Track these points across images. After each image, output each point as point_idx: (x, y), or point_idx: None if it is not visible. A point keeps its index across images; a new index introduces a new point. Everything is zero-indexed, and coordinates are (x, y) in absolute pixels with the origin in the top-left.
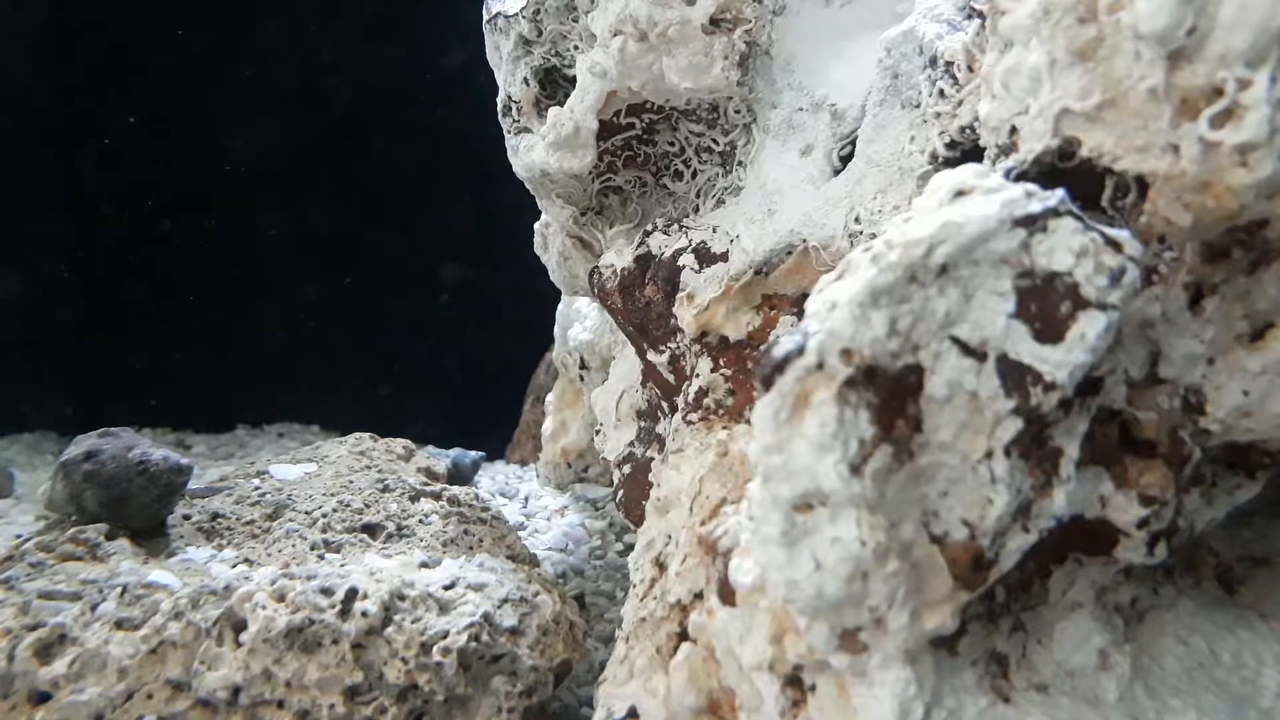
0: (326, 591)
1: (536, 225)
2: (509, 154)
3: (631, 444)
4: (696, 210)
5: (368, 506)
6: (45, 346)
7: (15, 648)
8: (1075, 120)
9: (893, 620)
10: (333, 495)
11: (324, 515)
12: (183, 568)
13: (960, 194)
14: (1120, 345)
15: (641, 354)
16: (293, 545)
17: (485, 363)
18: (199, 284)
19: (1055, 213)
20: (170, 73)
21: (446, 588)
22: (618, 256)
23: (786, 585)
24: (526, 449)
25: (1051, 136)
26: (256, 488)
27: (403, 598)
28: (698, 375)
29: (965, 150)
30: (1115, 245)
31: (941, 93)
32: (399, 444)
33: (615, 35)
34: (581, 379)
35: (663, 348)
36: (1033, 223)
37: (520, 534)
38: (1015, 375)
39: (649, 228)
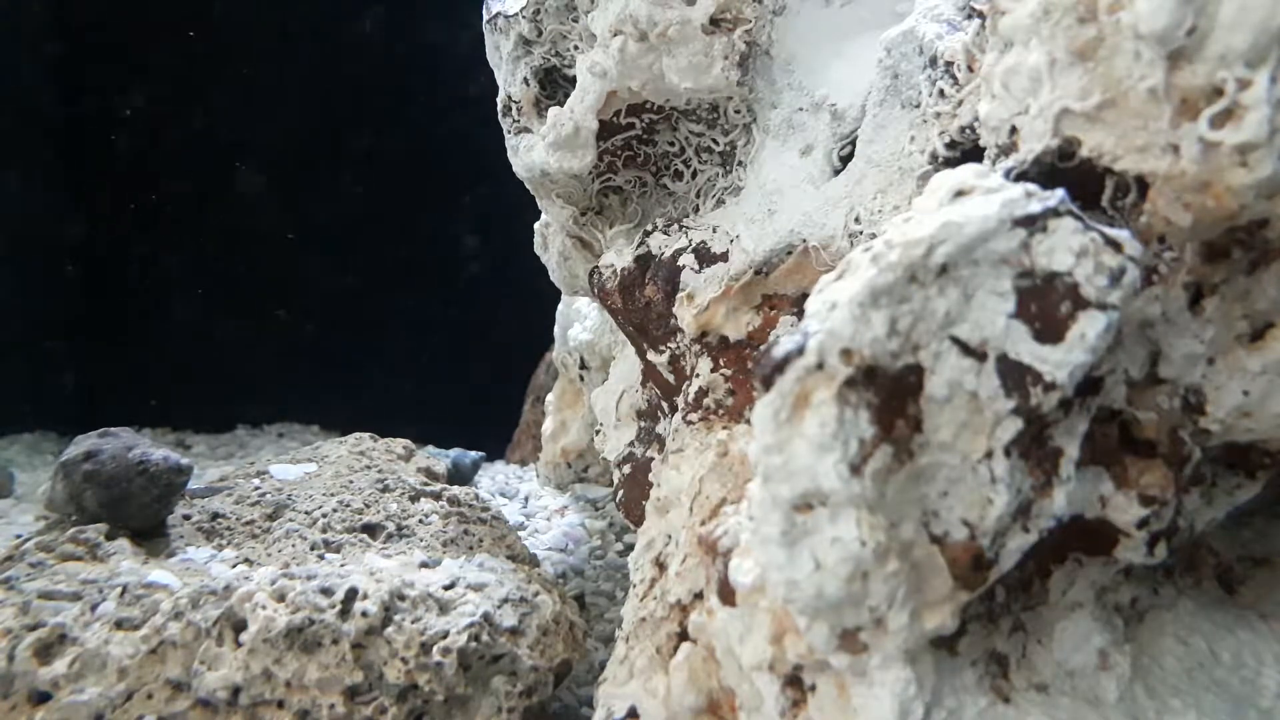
0: (326, 591)
1: (536, 225)
2: (509, 154)
3: (631, 444)
4: (696, 210)
5: (368, 506)
6: (45, 346)
7: (15, 648)
8: (1075, 120)
9: (893, 620)
10: (333, 495)
11: (324, 515)
12: (183, 568)
13: (960, 194)
14: (1120, 345)
15: (641, 354)
16: (293, 545)
17: (485, 363)
18: (199, 284)
19: (1055, 213)
20: (171, 72)
21: (446, 588)
22: (618, 256)
23: (786, 585)
24: (526, 449)
25: (1051, 136)
26: (256, 488)
27: (403, 598)
28: (698, 375)
29: (965, 150)
30: (1115, 245)
31: (941, 93)
32: (399, 444)
33: (615, 35)
34: (581, 379)
35: (663, 348)
36: (1033, 223)
37: (520, 534)
38: (1015, 375)
39: (649, 228)
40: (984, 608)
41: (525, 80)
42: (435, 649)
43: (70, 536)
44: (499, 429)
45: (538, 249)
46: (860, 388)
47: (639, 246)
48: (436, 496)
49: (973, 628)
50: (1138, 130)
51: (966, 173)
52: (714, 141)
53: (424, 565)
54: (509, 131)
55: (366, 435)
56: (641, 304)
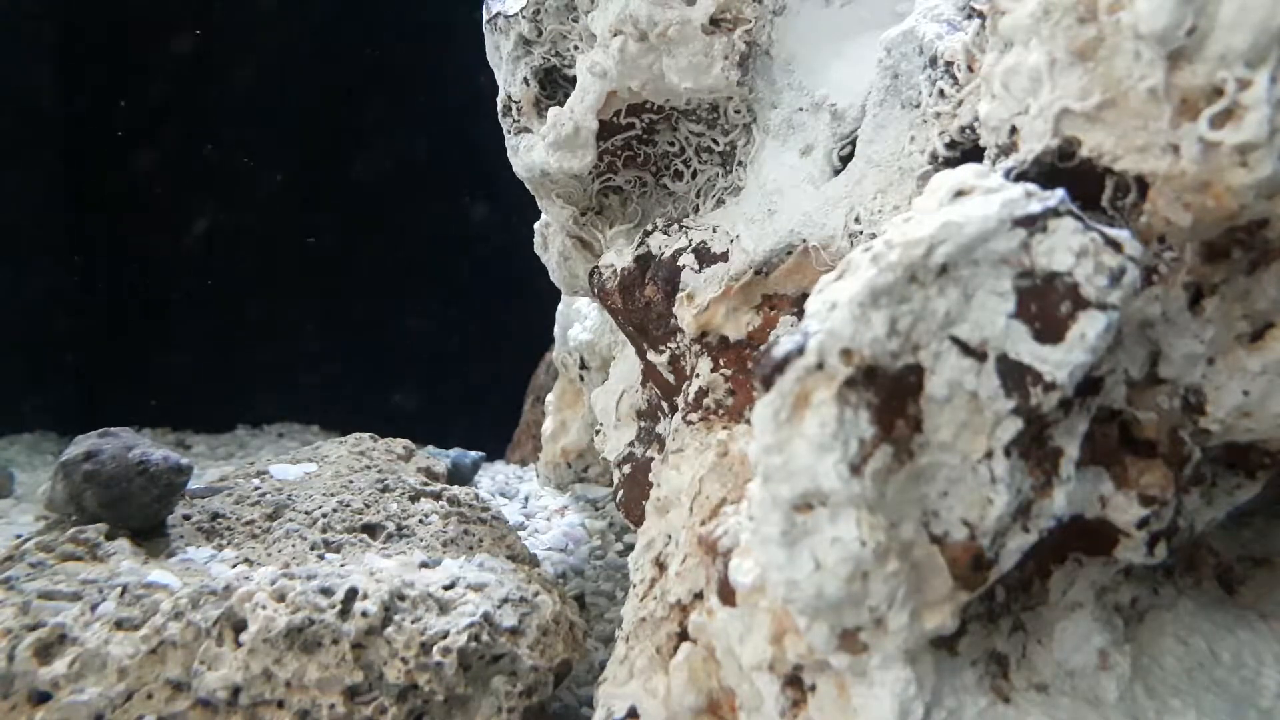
0: (326, 591)
1: (536, 225)
2: (509, 154)
3: (631, 444)
4: (696, 210)
5: (368, 506)
6: (45, 346)
7: (15, 648)
8: (1075, 120)
9: (893, 620)
10: (333, 495)
11: (324, 515)
12: (183, 568)
13: (960, 194)
14: (1120, 345)
15: (641, 354)
16: (293, 545)
17: (485, 363)
18: (199, 284)
19: (1055, 213)
20: (171, 74)
21: (446, 588)
22: (618, 256)
23: (786, 585)
24: (526, 449)
25: (1051, 136)
26: (256, 488)
27: (403, 598)
28: (698, 375)
29: (965, 150)
30: (1115, 245)
31: (941, 93)
32: (399, 444)
33: (615, 35)
34: (581, 379)
35: (663, 348)
36: (1033, 223)
37: (520, 534)
38: (1015, 375)
39: (649, 228)
40: (984, 608)
41: (525, 80)
42: (435, 649)
43: (70, 536)
44: (499, 429)
45: (538, 249)
46: (860, 388)
47: (639, 246)
48: (436, 496)
49: (973, 628)
50: (1138, 130)
51: (966, 173)
52: (714, 141)
53: (424, 565)
54: (509, 131)
55: (366, 435)
56: (641, 304)
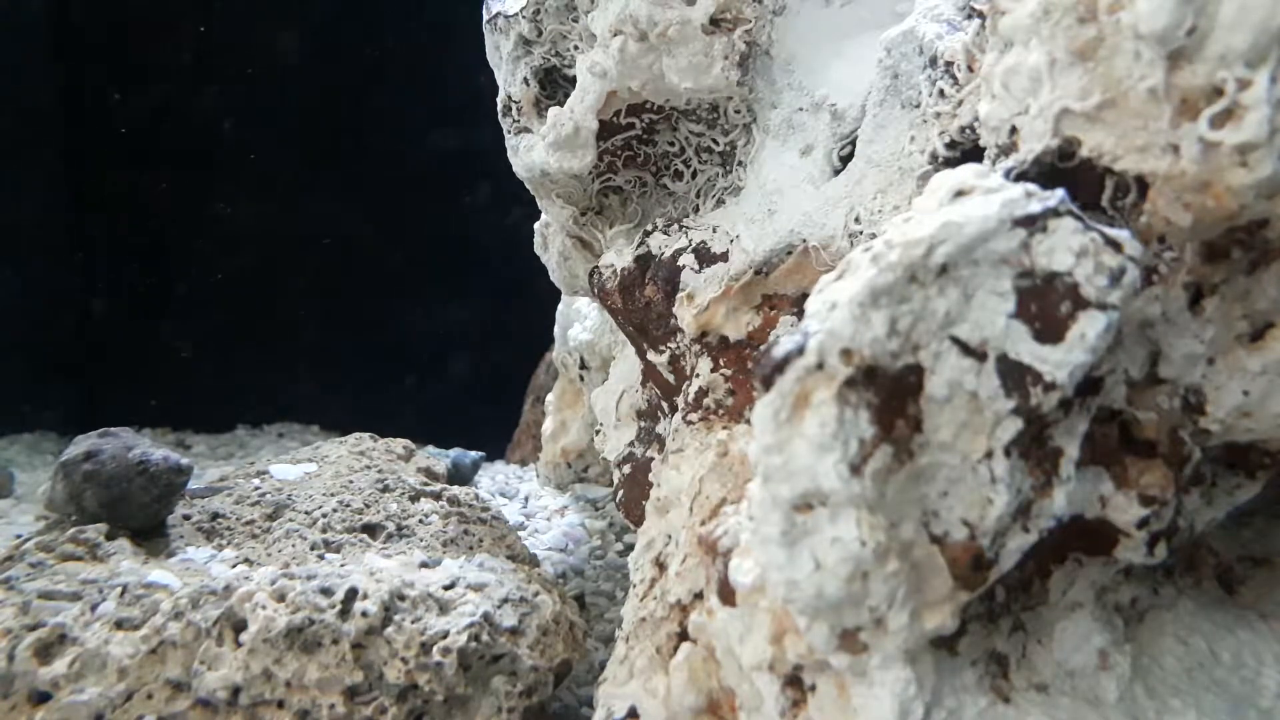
0: (326, 591)
1: (536, 225)
2: (509, 154)
3: (631, 444)
4: (696, 210)
5: (368, 506)
6: (45, 346)
7: (15, 648)
8: (1075, 120)
9: (893, 620)
10: (333, 495)
11: (324, 515)
12: (183, 568)
13: (960, 194)
14: (1120, 345)
15: (641, 354)
16: (293, 545)
17: (485, 363)
18: (199, 284)
19: (1055, 213)
20: (171, 74)
21: (446, 588)
22: (618, 256)
23: (786, 585)
24: (526, 449)
25: (1051, 136)
26: (256, 488)
27: (403, 598)
28: (698, 375)
29: (965, 150)
30: (1115, 245)
31: (941, 93)
32: (399, 444)
33: (615, 35)
34: (581, 379)
35: (663, 348)
36: (1033, 223)
37: (520, 534)
38: (1015, 375)
39: (649, 228)
40: (984, 608)
41: (525, 80)
42: (435, 649)
43: (70, 536)
44: (499, 429)
45: (538, 249)
46: (860, 388)
47: (639, 246)
48: (436, 496)
49: (973, 628)
50: (1138, 130)
51: (966, 173)
52: (714, 141)
53: (424, 565)
54: (509, 131)
55: (366, 435)
56: (641, 304)
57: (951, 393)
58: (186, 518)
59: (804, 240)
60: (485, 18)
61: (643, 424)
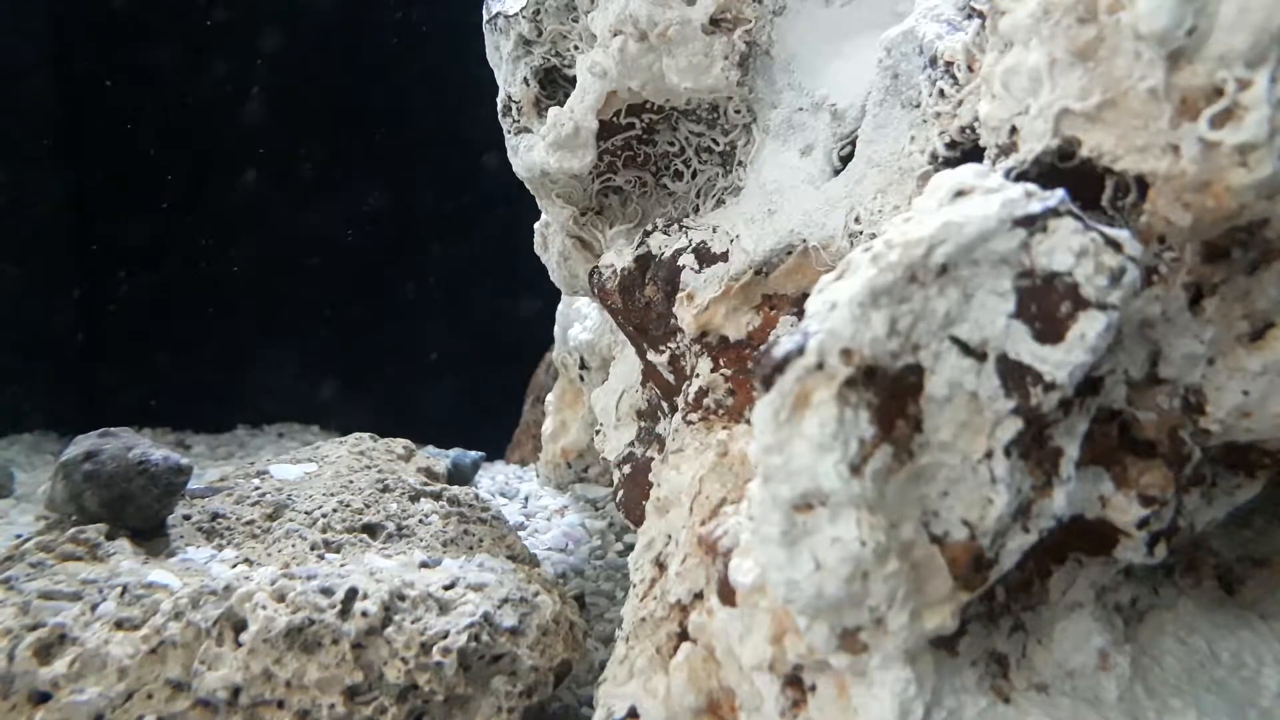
0: (326, 591)
1: (536, 225)
2: (509, 154)
3: (631, 444)
4: (696, 210)
5: (368, 506)
6: (45, 346)
7: (15, 648)
8: (1075, 120)
9: (893, 620)
10: (333, 495)
11: (324, 515)
12: (183, 568)
13: (960, 194)
14: (1120, 345)
15: (641, 354)
16: (293, 545)
17: (485, 363)
18: (199, 284)
19: (1055, 213)
20: (172, 74)
21: (446, 588)
22: (618, 256)
23: (786, 585)
24: (526, 449)
25: (1051, 136)
26: (256, 488)
27: (403, 598)
28: (698, 375)
29: (965, 150)
30: (1115, 245)
31: (941, 93)
32: (399, 444)
33: (615, 35)
34: (581, 379)
35: (663, 348)
36: (1033, 223)
37: (520, 534)
38: (1015, 375)
39: (649, 228)
40: (984, 608)
41: (525, 80)
42: (435, 649)
43: (70, 536)
44: (499, 429)
45: (538, 249)
46: (860, 388)
47: (639, 246)
48: (436, 496)
49: (973, 628)
50: (1138, 130)
51: (966, 173)
52: (714, 141)
53: (424, 565)
54: (509, 131)
55: (366, 435)
56: (641, 304)
57: (951, 393)
58: (186, 518)
59: (804, 240)
60: (485, 18)
61: (643, 424)
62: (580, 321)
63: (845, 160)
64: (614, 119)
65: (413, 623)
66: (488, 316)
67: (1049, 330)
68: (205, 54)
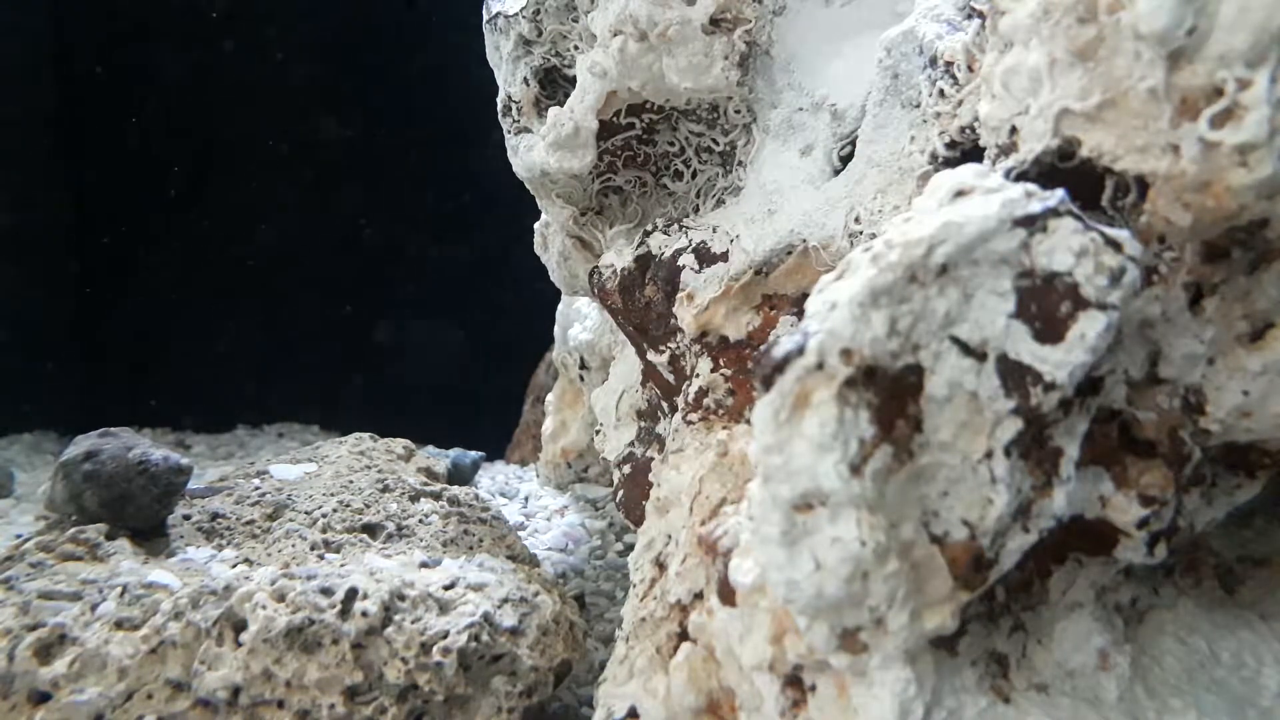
0: (326, 591)
1: (536, 225)
2: (509, 154)
3: (631, 444)
4: (696, 210)
5: (368, 506)
6: (45, 346)
7: (15, 648)
8: (1075, 120)
9: (893, 620)
10: (333, 495)
11: (324, 515)
12: (183, 568)
13: (960, 194)
14: (1120, 345)
15: (641, 354)
16: (293, 545)
17: (485, 363)
18: (199, 284)
19: (1055, 213)
20: (171, 73)
21: (446, 588)
22: (618, 256)
23: (786, 585)
24: (526, 449)
25: (1051, 136)
26: (256, 488)
27: (403, 598)
28: (698, 375)
29: (965, 150)
30: (1115, 245)
31: (941, 93)
32: (399, 444)
33: (615, 35)
34: (581, 379)
35: (663, 348)
36: (1033, 223)
37: (520, 534)
38: (1015, 375)
39: (649, 228)
40: (984, 608)
41: (525, 80)
42: (435, 649)
43: (70, 536)
44: (499, 429)
45: (538, 249)
46: (860, 388)
47: (639, 246)
48: (436, 496)
49: (973, 628)
50: (1138, 130)
51: (966, 173)
52: (714, 141)
53: (424, 565)
54: (509, 131)
55: (366, 435)
56: (641, 304)
57: (951, 393)
58: (186, 518)
59: (804, 240)
60: (485, 18)
61: (643, 424)
62: (580, 321)
63: (845, 160)
64: (614, 119)
65: (413, 623)
66: (488, 316)
67: (1049, 330)
68: (206, 53)
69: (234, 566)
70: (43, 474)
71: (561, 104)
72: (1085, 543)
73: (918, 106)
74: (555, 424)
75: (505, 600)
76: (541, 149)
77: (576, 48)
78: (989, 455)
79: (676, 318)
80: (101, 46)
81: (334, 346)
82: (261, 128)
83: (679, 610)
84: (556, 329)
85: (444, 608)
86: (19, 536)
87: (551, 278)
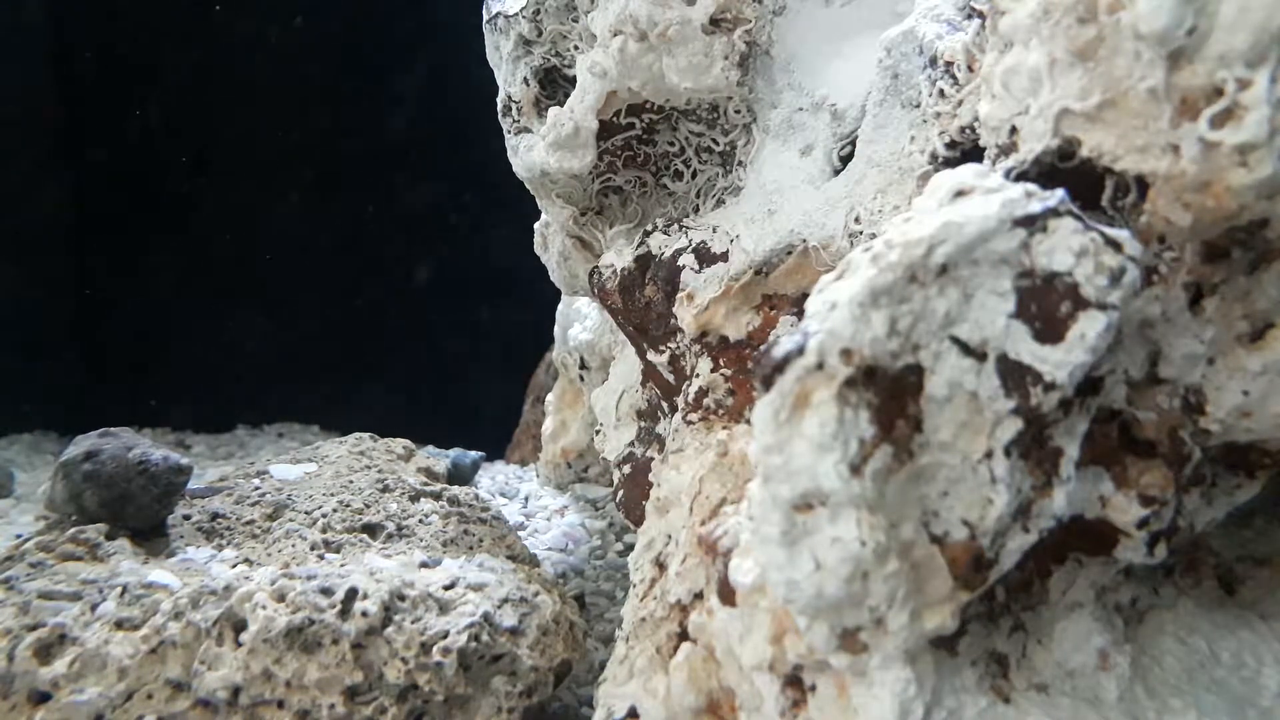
0: (326, 591)
1: (536, 225)
2: (509, 154)
3: (631, 444)
4: (696, 210)
5: (368, 506)
6: (45, 346)
7: (15, 648)
8: (1075, 120)
9: (893, 620)
10: (333, 495)
11: (324, 515)
12: (183, 568)
13: (960, 194)
14: (1120, 345)
15: (641, 354)
16: (293, 545)
17: (485, 363)
18: (199, 284)
19: (1055, 213)
20: (171, 72)
21: (446, 588)
22: (618, 256)
23: (786, 585)
24: (526, 449)
25: (1051, 136)
26: (256, 488)
27: (403, 598)
28: (698, 375)
29: (965, 150)
30: (1115, 245)
31: (941, 93)
32: (399, 444)
33: (615, 35)
34: (581, 379)
35: (663, 348)
36: (1033, 223)
37: (520, 534)
38: (1015, 375)
39: (649, 228)
40: (984, 608)
41: (525, 80)
42: (435, 649)
43: (70, 536)
44: (499, 429)
45: (538, 249)
46: (860, 388)
47: (639, 246)
48: (436, 496)
49: (973, 628)
50: (1138, 130)
51: (966, 173)
52: (714, 141)
53: (424, 565)
54: (509, 131)
55: (366, 435)
56: (641, 304)
57: (951, 393)
58: (186, 518)
59: (804, 240)
60: (485, 18)
61: (643, 424)
62: (580, 321)
63: (845, 160)
64: (614, 119)
65: (413, 623)
66: (488, 316)
67: (1049, 330)
68: (206, 53)
69: (234, 566)
70: (43, 474)
71: (561, 104)
72: (1085, 543)
73: (918, 106)
74: (555, 424)
75: (505, 600)
76: (541, 149)
77: (576, 48)
78: (989, 455)
79: (676, 318)
80: (102, 46)
81: (334, 346)
82: (261, 127)
83: (679, 610)
84: (556, 329)
85: (444, 608)
86: (19, 536)
87: (551, 278)
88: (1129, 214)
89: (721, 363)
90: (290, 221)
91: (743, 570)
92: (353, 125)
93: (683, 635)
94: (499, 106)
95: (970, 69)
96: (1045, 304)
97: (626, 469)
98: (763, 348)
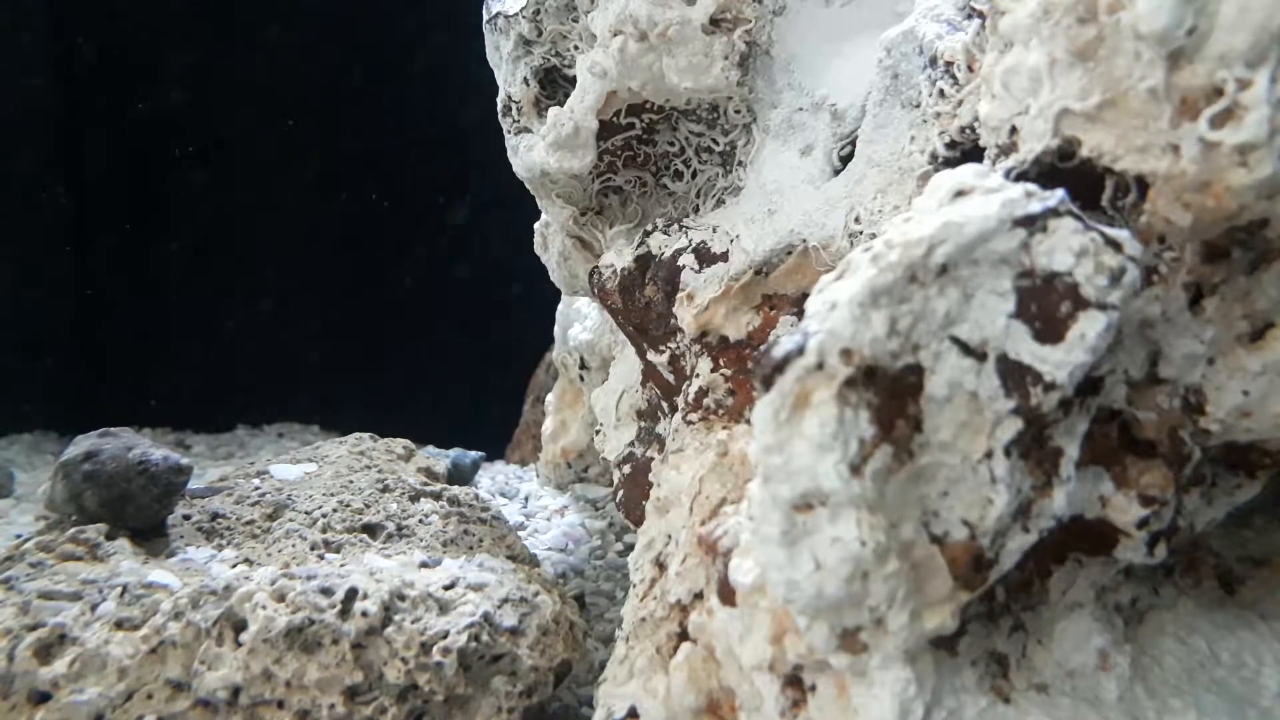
0: (326, 591)
1: (536, 225)
2: (509, 154)
3: (631, 444)
4: (696, 210)
5: (368, 506)
6: (45, 346)
7: (15, 648)
8: (1075, 120)
9: (893, 620)
10: (333, 495)
11: (324, 515)
12: (183, 568)
13: (960, 194)
14: (1120, 345)
15: (641, 354)
16: (293, 545)
17: (485, 363)
18: (199, 283)
19: (1055, 213)
20: (172, 70)
21: (446, 588)
22: (618, 256)
23: (786, 585)
24: (526, 449)
25: (1051, 136)
26: (256, 488)
27: (403, 598)
28: (698, 375)
29: (965, 150)
30: (1115, 245)
31: (941, 93)
32: (399, 444)
33: (615, 35)
34: (581, 379)
35: (663, 348)
36: (1033, 223)
37: (520, 534)
38: (1015, 375)
39: (649, 228)
40: (984, 608)
41: (525, 80)
42: (435, 649)
43: (70, 536)
44: (499, 429)
45: (538, 249)
46: (860, 388)
47: (639, 246)
48: (436, 496)
49: (973, 628)
50: (1138, 130)
51: (966, 173)
52: (714, 141)
53: (424, 565)
54: (509, 131)
55: (366, 435)
56: (641, 304)
57: (951, 393)
58: (186, 518)
59: (804, 240)
60: (485, 18)
61: (643, 424)
62: (580, 321)
63: (845, 160)
64: (614, 119)
65: (413, 623)
66: (487, 316)
67: (1049, 330)
68: (207, 52)
69: (234, 566)
70: (43, 474)
71: (561, 104)
72: (1085, 543)
73: (918, 106)
74: (555, 424)
75: (505, 600)
76: (541, 149)
77: (576, 48)
78: (989, 455)
79: (676, 318)
80: (102, 46)
81: (334, 346)
82: (261, 127)
83: (679, 610)
84: (556, 329)
85: (444, 608)
86: (19, 536)
87: (551, 278)
88: (1129, 214)
89: (721, 363)
90: (290, 221)
91: (743, 570)
92: (353, 124)
93: (683, 635)
94: (499, 106)
95: (970, 69)
96: (1045, 304)
97: (626, 469)
98: (763, 348)
